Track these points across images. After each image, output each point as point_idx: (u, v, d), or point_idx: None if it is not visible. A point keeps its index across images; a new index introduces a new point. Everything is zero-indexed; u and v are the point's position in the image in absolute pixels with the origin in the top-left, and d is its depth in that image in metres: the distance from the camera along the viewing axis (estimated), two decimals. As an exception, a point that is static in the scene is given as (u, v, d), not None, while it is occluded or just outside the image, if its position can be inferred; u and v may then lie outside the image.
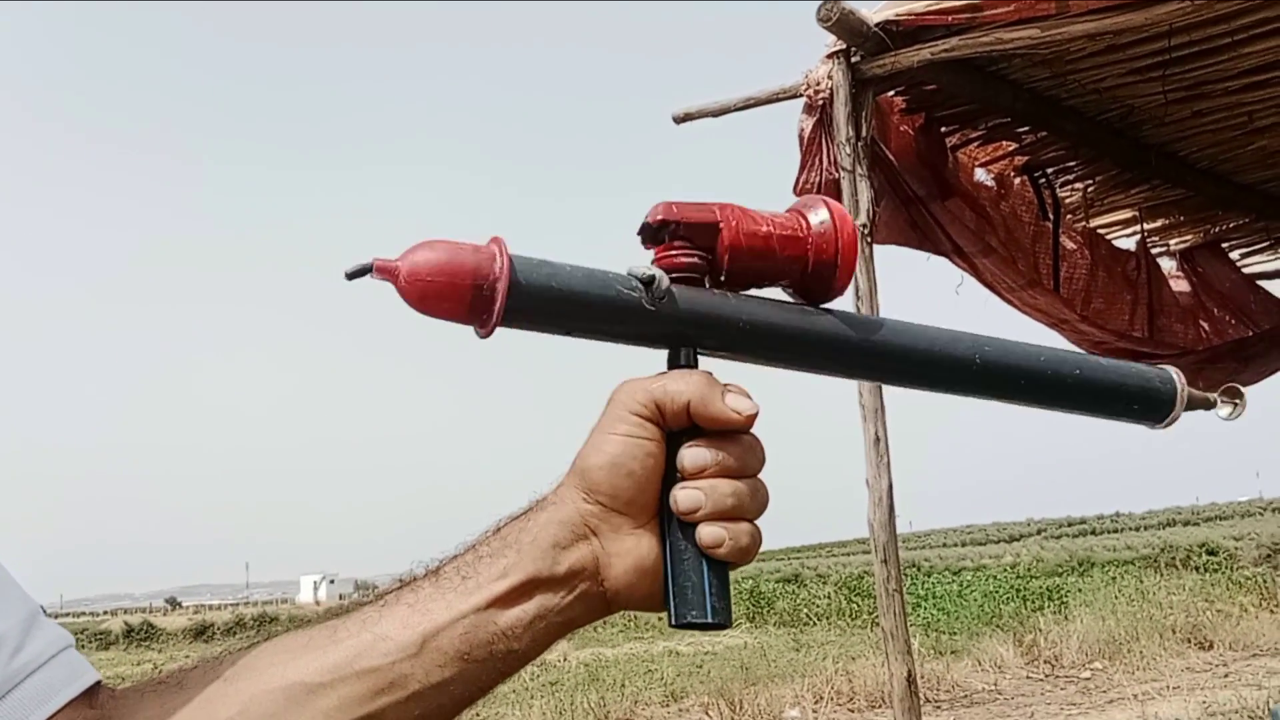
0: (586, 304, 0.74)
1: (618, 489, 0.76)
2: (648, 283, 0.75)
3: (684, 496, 0.75)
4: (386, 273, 0.70)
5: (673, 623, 0.76)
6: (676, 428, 0.76)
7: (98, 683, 0.73)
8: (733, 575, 0.77)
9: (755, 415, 0.76)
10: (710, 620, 0.75)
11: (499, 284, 0.71)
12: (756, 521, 0.77)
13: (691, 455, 0.76)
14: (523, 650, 0.75)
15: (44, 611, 0.74)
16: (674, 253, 0.78)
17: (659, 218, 0.78)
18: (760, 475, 0.78)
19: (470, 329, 0.73)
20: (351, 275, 0.71)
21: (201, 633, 45.60)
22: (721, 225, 0.78)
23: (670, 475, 0.77)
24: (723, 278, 0.79)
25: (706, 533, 0.74)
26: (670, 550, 0.76)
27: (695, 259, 0.78)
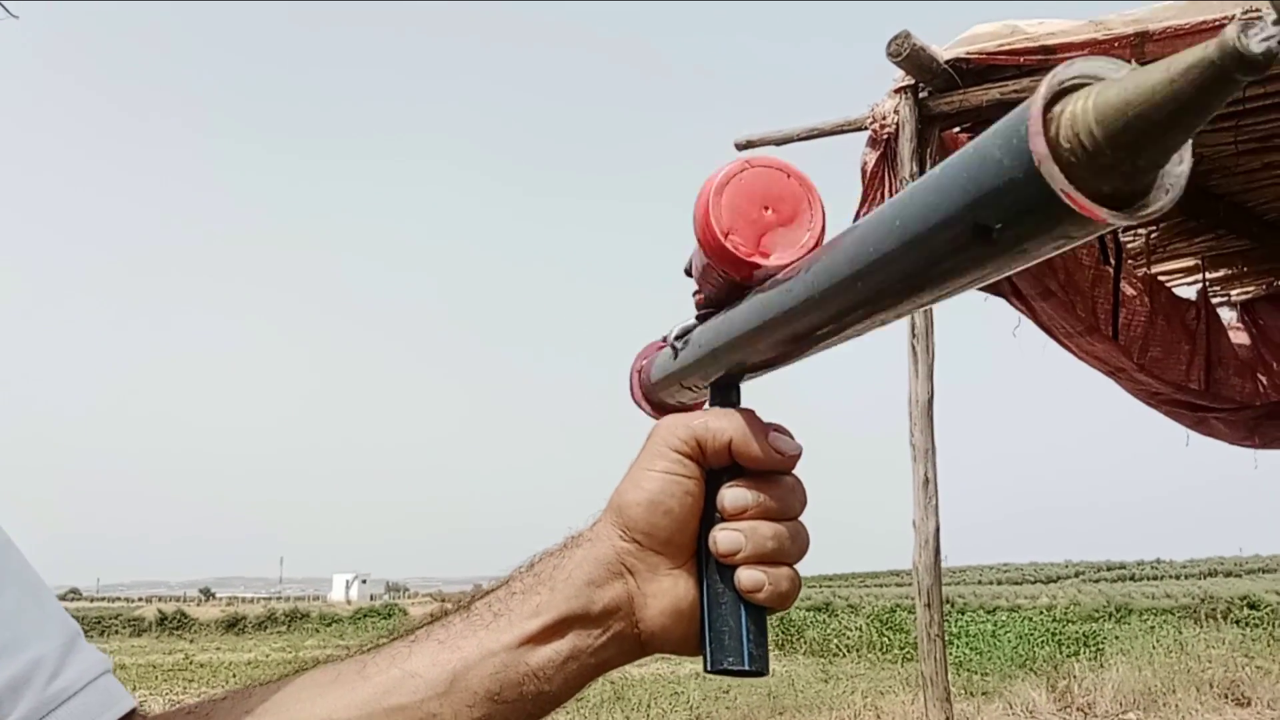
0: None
1: (655, 527, 0.74)
2: (680, 336, 0.79)
3: (724, 538, 0.73)
4: None
5: (708, 668, 0.74)
6: (717, 466, 0.75)
7: (133, 710, 0.72)
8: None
9: (798, 456, 0.74)
10: (747, 667, 0.73)
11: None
12: (796, 566, 0.75)
13: (732, 495, 0.73)
14: (554, 692, 0.74)
15: (83, 633, 0.73)
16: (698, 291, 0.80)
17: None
18: (801, 518, 0.76)
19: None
20: None
21: (233, 625, 46.02)
22: None
23: (709, 515, 0.75)
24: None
25: (746, 576, 0.72)
26: (707, 593, 0.74)
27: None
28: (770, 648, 0.76)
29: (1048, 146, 0.45)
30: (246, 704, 0.72)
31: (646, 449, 0.76)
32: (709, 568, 0.74)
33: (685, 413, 0.77)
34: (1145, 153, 0.45)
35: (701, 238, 0.72)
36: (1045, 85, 0.47)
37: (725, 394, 0.78)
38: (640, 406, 0.92)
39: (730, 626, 0.73)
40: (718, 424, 0.74)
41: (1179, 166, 0.48)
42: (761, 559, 0.73)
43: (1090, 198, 0.45)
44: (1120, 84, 0.44)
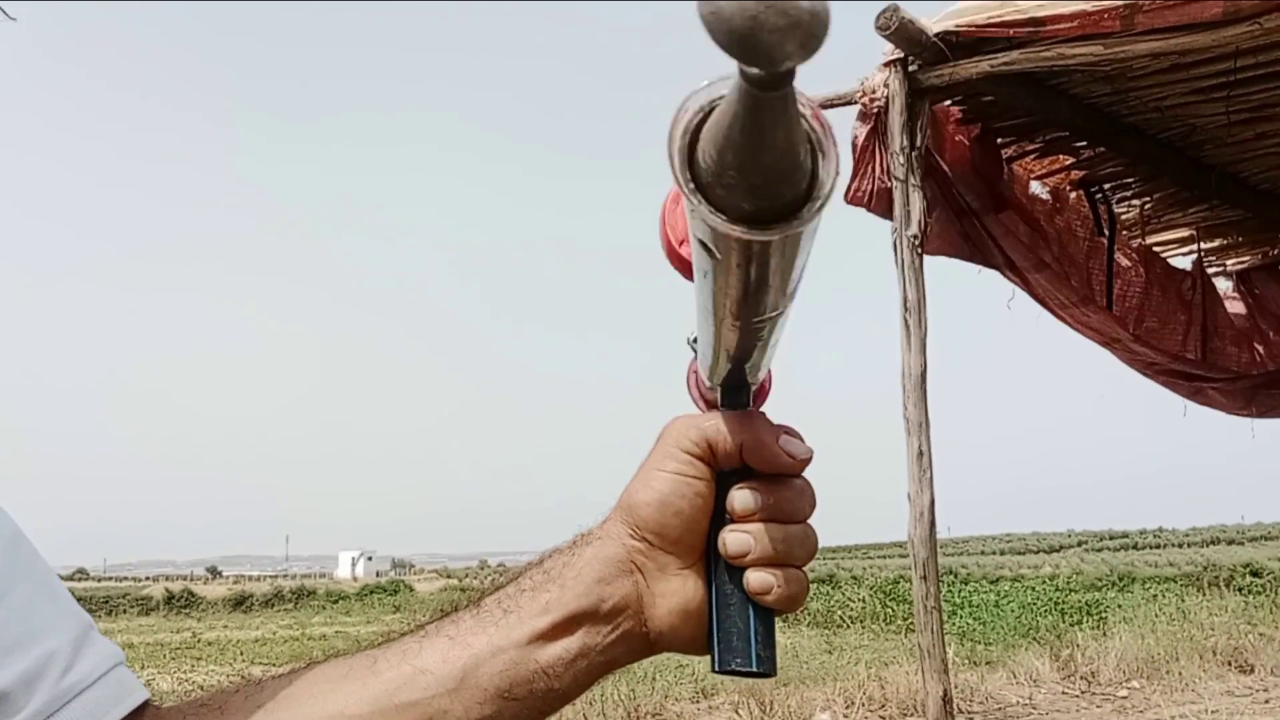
0: None
1: (665, 527, 0.74)
2: (693, 342, 0.77)
3: (733, 539, 0.73)
4: None
5: (715, 669, 0.74)
6: (728, 468, 0.75)
7: (145, 702, 0.73)
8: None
9: (809, 460, 0.75)
10: (755, 669, 0.73)
11: None
12: (805, 568, 0.76)
13: (742, 497, 0.74)
14: (563, 689, 0.74)
15: (95, 627, 0.74)
16: None
17: None
18: (811, 521, 0.76)
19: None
20: None
21: (240, 603, 46.25)
22: None
23: (719, 516, 0.75)
24: None
25: (755, 578, 0.73)
26: (716, 594, 0.75)
27: None
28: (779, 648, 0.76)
29: (691, 178, 0.51)
30: (259, 697, 0.73)
31: (657, 449, 0.76)
32: (718, 569, 0.75)
33: (697, 414, 0.77)
34: (750, 172, 0.49)
35: (665, 249, 0.74)
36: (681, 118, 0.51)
37: (736, 395, 0.78)
38: (697, 405, 0.92)
39: (739, 628, 0.73)
40: (729, 426, 0.74)
41: (828, 180, 0.53)
42: (770, 561, 0.73)
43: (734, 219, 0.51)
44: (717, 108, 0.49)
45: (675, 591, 0.75)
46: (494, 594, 0.77)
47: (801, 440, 0.75)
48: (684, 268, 0.78)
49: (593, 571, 0.75)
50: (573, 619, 0.74)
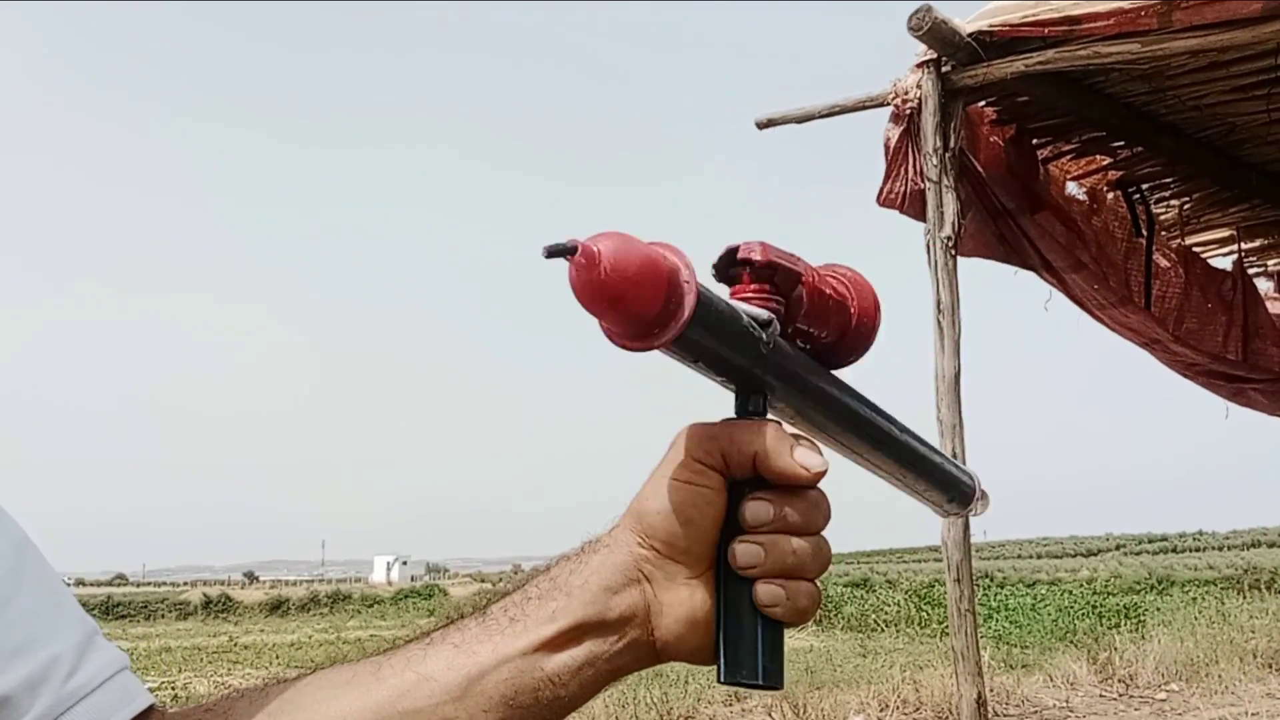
0: (730, 335, 0.70)
1: (674, 536, 0.73)
2: (765, 324, 0.72)
3: (742, 551, 0.72)
4: (587, 255, 0.62)
5: (721, 680, 0.73)
6: (741, 478, 0.73)
7: (151, 706, 0.73)
8: None
9: (823, 473, 0.73)
10: (761, 682, 0.72)
11: (687, 295, 0.65)
12: (816, 581, 0.74)
13: (754, 508, 0.73)
14: (569, 698, 0.73)
15: (100, 631, 0.74)
16: (758, 295, 0.73)
17: (754, 256, 0.73)
18: (824, 533, 0.75)
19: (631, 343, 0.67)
20: (552, 254, 0.64)
21: (277, 607, 46.55)
22: (804, 277, 0.74)
23: (731, 526, 0.74)
24: (790, 330, 0.75)
25: (764, 590, 0.72)
26: (724, 604, 0.74)
27: (777, 306, 0.74)
28: (786, 659, 0.74)
29: None
30: (264, 703, 0.73)
31: (669, 456, 0.75)
32: (727, 579, 0.74)
33: (710, 422, 0.75)
34: None
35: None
36: None
37: (751, 403, 0.76)
38: None
39: (745, 639, 0.72)
40: (743, 436, 0.73)
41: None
42: (780, 573, 0.72)
43: None
44: None
45: (683, 601, 0.74)
46: (500, 601, 0.76)
47: (818, 452, 0.74)
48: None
49: (600, 580, 0.74)
50: (579, 628, 0.73)
